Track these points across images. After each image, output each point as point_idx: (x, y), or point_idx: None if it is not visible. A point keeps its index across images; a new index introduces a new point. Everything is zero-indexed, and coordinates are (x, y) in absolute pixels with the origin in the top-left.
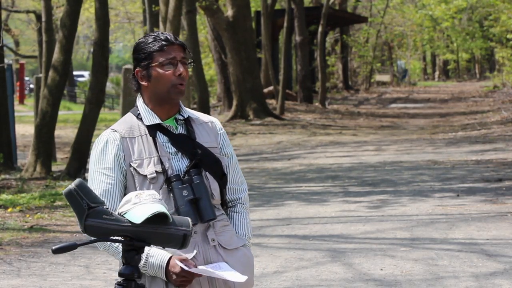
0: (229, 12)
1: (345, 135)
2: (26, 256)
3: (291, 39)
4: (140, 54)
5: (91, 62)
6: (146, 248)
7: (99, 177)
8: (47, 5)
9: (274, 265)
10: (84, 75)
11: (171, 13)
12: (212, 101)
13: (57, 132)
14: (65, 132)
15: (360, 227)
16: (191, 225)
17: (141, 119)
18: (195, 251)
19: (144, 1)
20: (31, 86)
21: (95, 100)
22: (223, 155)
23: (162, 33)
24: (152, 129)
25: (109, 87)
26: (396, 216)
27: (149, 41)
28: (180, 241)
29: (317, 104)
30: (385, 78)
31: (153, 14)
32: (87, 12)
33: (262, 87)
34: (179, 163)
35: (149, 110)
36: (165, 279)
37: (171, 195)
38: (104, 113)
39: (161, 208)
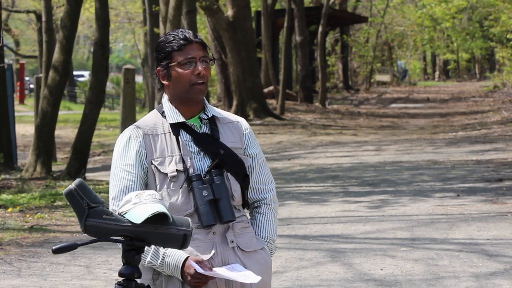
0: (229, 12)
1: (345, 135)
2: (26, 256)
3: (291, 39)
4: (160, 54)
5: (91, 62)
6: (162, 248)
7: (120, 174)
8: (47, 5)
9: (274, 265)
10: (84, 75)
11: (171, 13)
12: (212, 101)
13: (57, 132)
14: (65, 132)
15: (360, 227)
16: (191, 225)
17: (165, 117)
18: (213, 252)
19: (144, 1)
20: (31, 86)
21: (95, 100)
22: (247, 155)
23: (182, 31)
24: (176, 128)
25: (109, 87)
26: (396, 216)
27: (169, 40)
28: (180, 241)
29: (317, 104)
30: (385, 78)
31: (153, 14)
32: (87, 12)
33: (262, 87)
34: (201, 163)
35: (173, 108)
36: (181, 279)
37: (191, 194)
38: (104, 113)
39: (161, 208)
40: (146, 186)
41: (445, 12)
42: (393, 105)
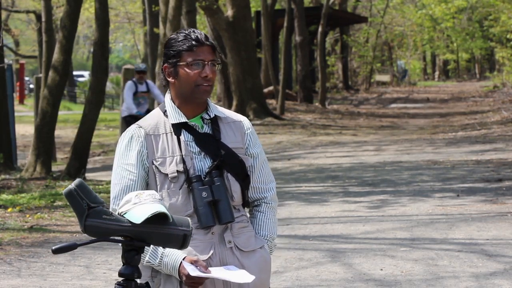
0: (229, 12)
1: (345, 135)
2: (26, 256)
3: (291, 39)
4: (170, 51)
5: (91, 62)
6: (161, 248)
7: (122, 173)
8: (47, 5)
9: (274, 265)
10: (84, 75)
11: (171, 13)
12: (212, 101)
13: (57, 132)
14: (65, 132)
15: (360, 227)
16: (191, 225)
17: (167, 116)
18: (211, 252)
19: (144, 1)
20: (31, 86)
21: (95, 100)
22: (248, 155)
23: (194, 31)
24: (177, 128)
25: (109, 87)
26: (396, 216)
27: (180, 39)
28: (180, 241)
29: (317, 104)
30: (385, 78)
31: (153, 14)
32: (87, 12)
33: (262, 87)
34: (202, 163)
35: (176, 107)
36: (179, 279)
37: (191, 195)
38: (104, 113)
39: (161, 208)
40: (147, 186)
41: (445, 12)
42: (393, 105)
